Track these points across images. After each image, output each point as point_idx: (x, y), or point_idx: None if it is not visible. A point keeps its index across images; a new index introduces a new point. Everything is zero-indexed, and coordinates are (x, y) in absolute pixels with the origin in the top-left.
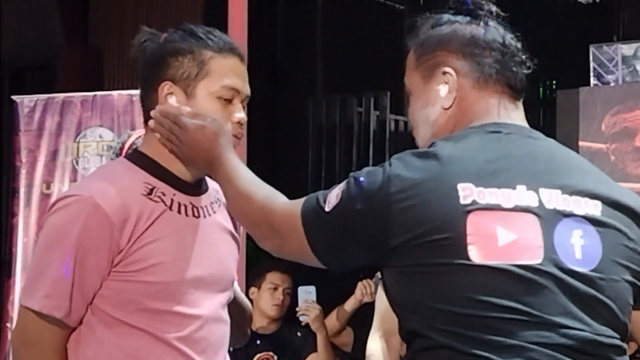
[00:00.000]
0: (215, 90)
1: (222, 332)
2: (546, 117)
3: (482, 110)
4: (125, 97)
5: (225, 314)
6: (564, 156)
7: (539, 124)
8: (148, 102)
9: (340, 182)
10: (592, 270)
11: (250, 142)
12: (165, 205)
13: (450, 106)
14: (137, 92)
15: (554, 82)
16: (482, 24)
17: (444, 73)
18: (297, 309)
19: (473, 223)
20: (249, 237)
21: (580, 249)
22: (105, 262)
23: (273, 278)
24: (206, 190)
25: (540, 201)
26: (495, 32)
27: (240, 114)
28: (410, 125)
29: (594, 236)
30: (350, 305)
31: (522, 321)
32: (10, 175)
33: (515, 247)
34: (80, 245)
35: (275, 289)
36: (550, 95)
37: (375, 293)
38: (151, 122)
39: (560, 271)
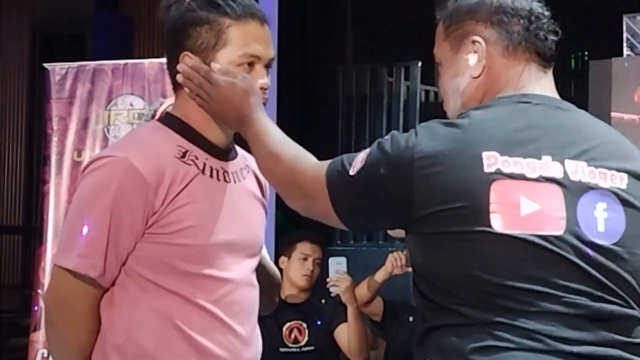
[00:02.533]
0: (234, 59)
1: (252, 296)
2: (578, 87)
3: (512, 79)
4: (157, 65)
5: (254, 279)
6: (593, 128)
7: (570, 95)
8: (172, 72)
9: None
10: (614, 244)
11: (279, 112)
12: (198, 168)
13: (480, 75)
14: None
15: (586, 52)
16: None
17: (473, 42)
18: (328, 279)
19: (496, 192)
20: (278, 206)
21: (603, 222)
22: (140, 223)
23: (303, 248)
24: (236, 156)
25: (565, 172)
26: (523, 0)
27: (263, 80)
28: (441, 97)
29: (619, 210)
30: (380, 276)
31: (540, 292)
32: (42, 142)
33: (538, 217)
34: (116, 205)
35: (305, 259)
36: (582, 66)
37: (407, 265)
38: (179, 77)
39: (581, 243)
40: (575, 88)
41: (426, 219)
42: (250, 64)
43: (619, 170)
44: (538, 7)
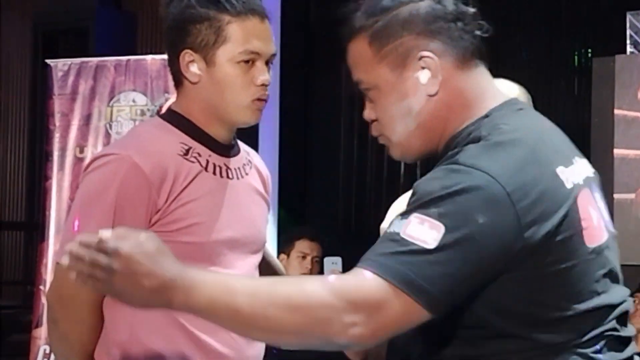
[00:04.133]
0: (234, 56)
1: None
2: (581, 85)
3: (478, 87)
4: (159, 61)
5: (257, 275)
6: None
7: (573, 92)
8: (173, 69)
9: (372, 150)
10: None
11: (282, 105)
12: (201, 165)
13: (437, 92)
14: None
15: (590, 49)
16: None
17: (421, 58)
18: None
19: (580, 206)
20: (281, 203)
21: (605, 211)
22: (143, 220)
23: (302, 246)
24: (238, 152)
25: (579, 172)
26: (447, 0)
27: (264, 76)
28: (376, 125)
29: (602, 198)
30: None
31: (605, 306)
32: (44, 138)
33: (599, 224)
34: (119, 202)
35: (304, 257)
36: (586, 63)
37: None
38: (64, 259)
39: (613, 239)
40: (578, 85)
41: (530, 256)
42: (251, 61)
43: (580, 157)
44: (461, 5)
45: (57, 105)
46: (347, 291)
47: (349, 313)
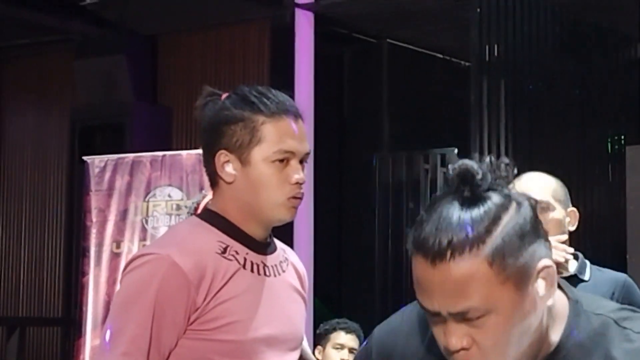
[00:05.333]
0: (269, 155)
1: None
2: (615, 172)
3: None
4: (194, 156)
5: None
6: None
7: (607, 179)
8: (209, 169)
9: (406, 239)
10: None
11: (317, 199)
12: (239, 263)
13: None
14: None
15: (623, 137)
16: (514, 204)
17: (542, 269)
18: None
19: None
20: (316, 295)
21: None
22: (182, 319)
23: (337, 338)
24: (275, 249)
25: None
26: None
27: (298, 175)
28: (473, 353)
29: None
30: None
31: None
32: (81, 234)
33: None
34: (159, 302)
35: (341, 348)
36: (619, 150)
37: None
38: None
39: None
40: (612, 172)
41: None
42: (285, 160)
43: None
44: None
45: (94, 201)
46: None
47: None
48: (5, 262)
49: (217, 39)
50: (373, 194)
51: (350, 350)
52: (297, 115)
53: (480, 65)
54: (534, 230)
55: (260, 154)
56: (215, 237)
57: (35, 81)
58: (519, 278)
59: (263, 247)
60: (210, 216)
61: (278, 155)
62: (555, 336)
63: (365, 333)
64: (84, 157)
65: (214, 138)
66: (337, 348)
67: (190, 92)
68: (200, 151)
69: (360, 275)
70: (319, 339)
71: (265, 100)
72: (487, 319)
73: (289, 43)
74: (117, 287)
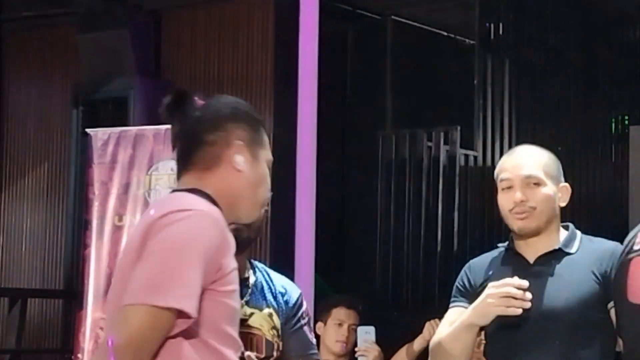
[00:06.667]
0: (269, 159)
1: None
2: (618, 152)
3: None
4: None
5: None
6: None
7: (610, 160)
8: (214, 151)
9: (408, 217)
10: None
11: (319, 177)
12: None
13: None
14: None
15: (626, 117)
16: None
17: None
18: (356, 349)
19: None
20: (316, 271)
21: None
22: (213, 273)
23: (338, 314)
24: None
25: None
26: None
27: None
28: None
29: None
30: (418, 344)
31: None
32: (83, 207)
33: None
34: (206, 252)
35: (340, 324)
36: (623, 130)
37: None
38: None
39: None
40: (615, 153)
41: None
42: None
43: None
44: None
45: (97, 173)
46: None
47: None
48: (7, 234)
49: (221, 14)
50: (376, 172)
51: (350, 327)
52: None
53: (484, 43)
54: None
55: (264, 155)
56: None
57: (38, 54)
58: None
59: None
60: (207, 197)
61: (269, 162)
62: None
63: (365, 310)
64: (87, 130)
65: (233, 126)
66: (338, 324)
67: (194, 67)
68: None
69: (361, 252)
70: (320, 315)
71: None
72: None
73: (293, 19)
74: (158, 236)
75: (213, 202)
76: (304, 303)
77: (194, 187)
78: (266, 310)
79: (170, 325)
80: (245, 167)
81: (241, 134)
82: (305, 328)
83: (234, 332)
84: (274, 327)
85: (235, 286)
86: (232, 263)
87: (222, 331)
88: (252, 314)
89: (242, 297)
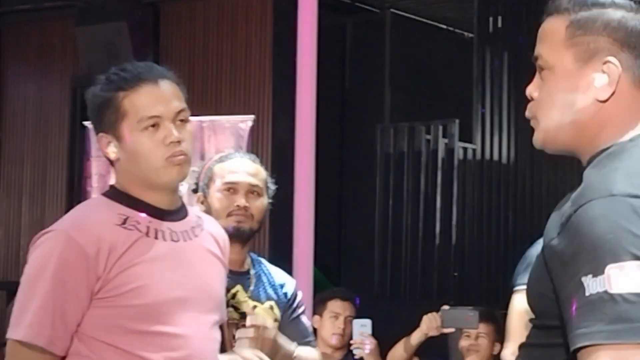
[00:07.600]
0: (134, 126)
1: (212, 350)
2: None
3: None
4: (195, 123)
5: (215, 333)
6: None
7: None
8: (102, 152)
9: (407, 210)
10: None
11: (318, 170)
12: (140, 232)
13: (607, 100)
14: (206, 118)
15: None
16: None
17: (606, 62)
18: (352, 342)
19: None
20: (316, 266)
21: None
22: (85, 290)
23: (334, 306)
24: (185, 216)
25: None
26: None
27: (171, 135)
28: (533, 105)
29: None
30: (416, 338)
31: None
32: (81, 200)
33: None
34: (58, 275)
35: (336, 317)
36: None
37: (442, 327)
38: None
39: None
40: None
41: None
42: (155, 125)
43: None
44: None
45: (95, 166)
46: None
47: None
48: (5, 227)
49: (219, 6)
50: (374, 165)
51: (347, 318)
52: (156, 79)
53: (483, 36)
54: (626, 36)
55: (127, 127)
56: (116, 211)
57: (37, 47)
58: (581, 53)
59: (169, 215)
60: (112, 192)
61: (143, 123)
62: (602, 143)
63: (364, 303)
64: (85, 123)
65: (94, 124)
66: (334, 317)
67: (192, 59)
68: (201, 118)
69: (360, 245)
70: (316, 308)
71: (123, 75)
72: (548, 74)
73: (291, 11)
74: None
75: (119, 196)
76: (299, 292)
77: (111, 185)
78: (267, 303)
79: (36, 353)
80: (117, 154)
81: (101, 125)
82: (302, 317)
83: (160, 327)
84: (275, 320)
85: (142, 282)
86: (122, 264)
87: (137, 332)
88: (254, 306)
89: (246, 289)
